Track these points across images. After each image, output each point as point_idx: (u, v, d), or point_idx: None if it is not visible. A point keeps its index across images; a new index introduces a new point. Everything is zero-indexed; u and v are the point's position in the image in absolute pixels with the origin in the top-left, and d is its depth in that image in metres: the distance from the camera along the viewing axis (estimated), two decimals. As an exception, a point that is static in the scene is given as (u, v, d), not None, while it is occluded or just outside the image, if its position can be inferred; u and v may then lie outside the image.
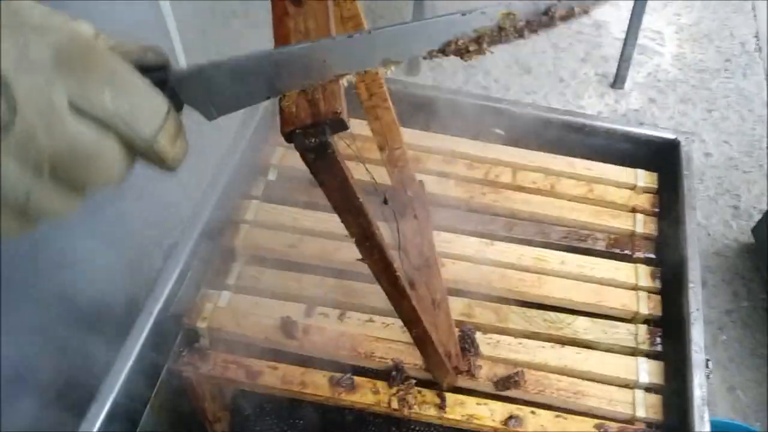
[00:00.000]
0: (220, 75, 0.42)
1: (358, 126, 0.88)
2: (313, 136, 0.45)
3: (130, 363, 0.77)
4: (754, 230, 1.73)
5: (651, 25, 2.30)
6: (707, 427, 0.75)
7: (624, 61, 2.08)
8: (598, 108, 2.06)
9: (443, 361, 0.76)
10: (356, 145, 0.89)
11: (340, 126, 0.45)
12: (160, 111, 0.38)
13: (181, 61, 1.84)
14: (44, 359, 0.91)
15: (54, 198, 0.35)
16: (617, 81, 2.12)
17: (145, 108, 0.37)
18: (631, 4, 1.99)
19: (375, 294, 0.88)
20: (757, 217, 1.78)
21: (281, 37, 0.47)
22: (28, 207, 0.34)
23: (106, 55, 0.35)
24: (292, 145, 0.46)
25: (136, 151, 0.37)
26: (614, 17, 2.32)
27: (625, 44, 2.05)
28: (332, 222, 0.93)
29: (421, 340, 0.73)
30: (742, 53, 2.26)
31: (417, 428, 0.91)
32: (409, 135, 1.00)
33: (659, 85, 2.14)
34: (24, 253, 0.81)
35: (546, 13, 0.44)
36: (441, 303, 0.82)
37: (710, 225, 1.80)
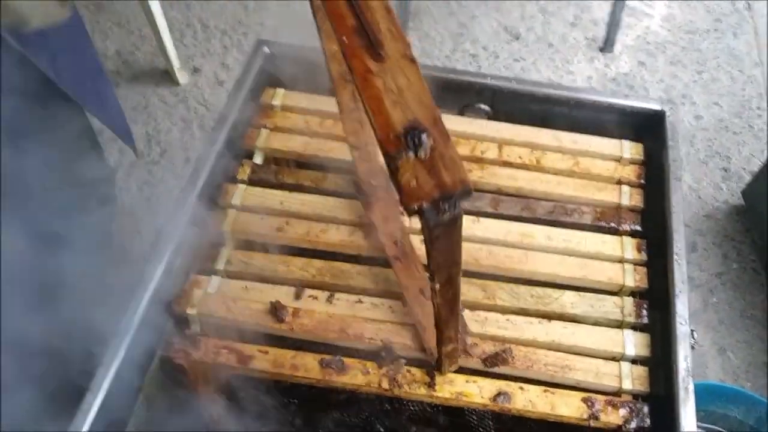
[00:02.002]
0: None
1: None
2: (446, 211, 0.43)
3: (122, 352, 0.78)
4: (744, 192, 1.74)
5: (640, -14, 2.27)
6: (692, 398, 0.76)
7: (613, 24, 2.06)
8: (588, 73, 2.05)
9: (457, 350, 0.76)
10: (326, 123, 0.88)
11: (469, 195, 0.43)
12: None
13: None
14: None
15: None
16: (607, 45, 2.10)
17: None
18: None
19: (363, 275, 0.89)
20: (747, 178, 1.78)
21: (372, 98, 0.45)
22: None
23: None
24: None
25: None
26: (603, -21, 2.29)
27: (613, 7, 2.03)
28: (318, 204, 0.95)
29: (449, 339, 0.73)
30: (732, 12, 2.24)
31: (409, 404, 0.92)
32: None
33: (649, 47, 2.12)
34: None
35: None
36: (427, 291, 0.82)
37: (701, 188, 1.81)
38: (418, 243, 0.88)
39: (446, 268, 0.56)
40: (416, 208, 0.43)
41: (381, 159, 0.87)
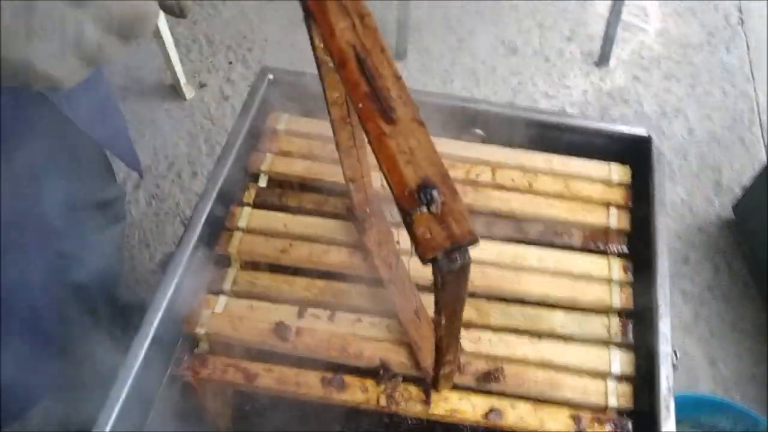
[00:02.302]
0: None
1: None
2: (457, 259, 0.48)
3: (134, 371, 0.83)
4: (735, 207, 1.78)
5: (635, 1, 2.32)
6: (672, 415, 0.81)
7: (607, 39, 2.10)
8: (584, 87, 2.10)
9: (455, 370, 0.81)
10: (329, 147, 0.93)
11: (476, 244, 0.49)
12: None
13: None
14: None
15: (115, 47, 0.46)
16: (602, 59, 2.14)
17: None
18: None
19: (362, 295, 0.93)
20: (738, 192, 1.83)
21: (387, 158, 0.50)
22: (97, 55, 0.45)
23: None
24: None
25: (166, 7, 0.48)
26: (599, -6, 2.34)
27: (608, 23, 2.08)
28: (320, 226, 0.99)
29: (448, 361, 0.78)
30: (726, 26, 2.29)
31: (407, 419, 0.97)
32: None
33: (643, 62, 2.17)
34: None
35: None
36: (421, 312, 0.87)
37: (693, 201, 1.85)
38: (412, 265, 0.93)
39: (452, 305, 0.61)
40: (431, 257, 0.48)
41: (376, 187, 0.92)
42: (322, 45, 0.63)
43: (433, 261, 0.49)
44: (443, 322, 0.64)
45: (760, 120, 2.04)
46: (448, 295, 0.57)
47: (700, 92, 2.10)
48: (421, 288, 0.91)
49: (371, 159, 0.59)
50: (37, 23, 0.40)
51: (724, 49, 2.22)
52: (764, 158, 1.94)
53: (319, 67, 0.67)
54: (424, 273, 0.91)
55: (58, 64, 0.43)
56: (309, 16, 0.59)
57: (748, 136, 1.99)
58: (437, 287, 0.55)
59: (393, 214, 0.96)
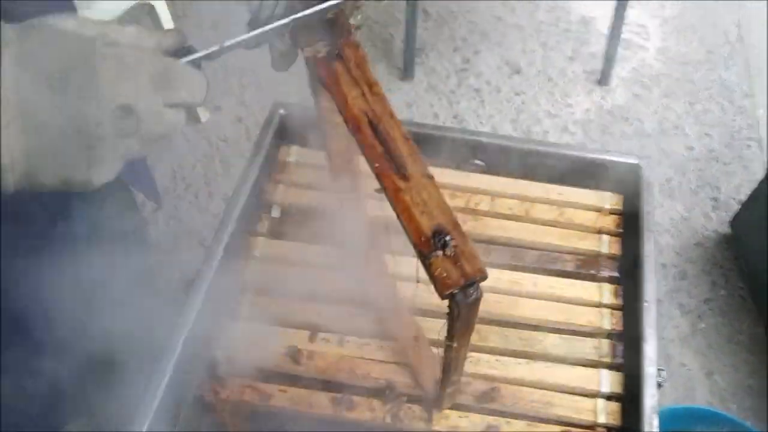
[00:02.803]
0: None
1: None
2: (471, 294, 0.57)
3: (160, 393, 0.90)
4: (732, 222, 1.84)
5: (636, 19, 2.38)
6: (656, 431, 0.87)
7: (608, 59, 2.17)
8: (586, 105, 2.16)
9: (458, 390, 0.89)
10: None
11: (485, 279, 0.57)
12: (204, 86, 0.57)
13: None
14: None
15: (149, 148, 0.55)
16: (603, 78, 2.21)
17: (200, 86, 0.56)
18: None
19: (370, 320, 1.00)
20: (736, 207, 1.88)
21: (404, 210, 0.58)
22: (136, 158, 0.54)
23: (175, 66, 0.55)
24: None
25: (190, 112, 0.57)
26: (601, 13, 2.40)
27: (608, 42, 2.14)
28: (330, 255, 1.07)
29: (453, 382, 0.85)
30: (725, 43, 2.35)
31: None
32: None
33: (643, 80, 2.23)
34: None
35: None
36: (420, 337, 0.94)
37: (692, 217, 1.91)
38: (406, 292, 1.00)
39: (464, 332, 0.68)
40: (449, 294, 0.57)
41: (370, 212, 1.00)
42: (326, 105, 0.71)
43: (451, 297, 0.57)
44: (455, 346, 0.71)
45: (758, 136, 2.10)
46: (462, 324, 0.65)
47: (699, 109, 2.16)
48: (425, 312, 0.98)
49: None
50: (96, 156, 0.50)
51: (723, 66, 2.28)
52: (762, 174, 1.99)
53: (321, 122, 0.74)
54: (426, 298, 0.99)
55: (109, 174, 0.53)
56: (319, 84, 0.66)
57: (746, 152, 2.05)
58: (452, 318, 0.63)
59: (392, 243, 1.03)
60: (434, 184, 0.61)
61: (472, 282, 0.56)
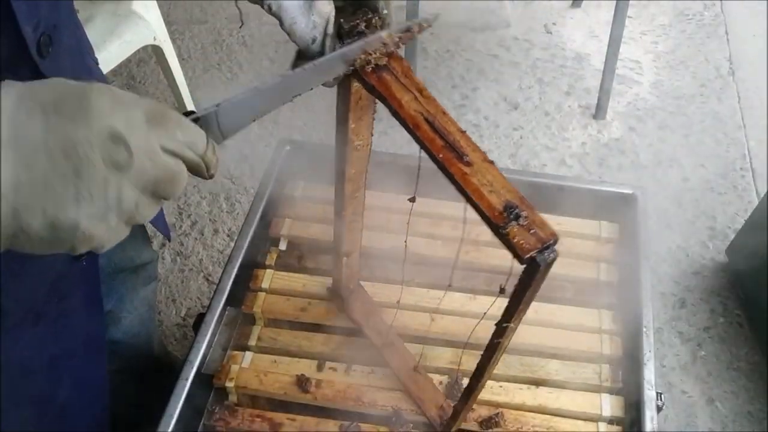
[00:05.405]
0: (224, 112, 0.59)
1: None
2: (549, 255, 0.61)
3: (172, 424, 0.92)
4: (728, 250, 1.87)
5: (630, 55, 2.44)
6: (657, 454, 0.89)
7: (603, 93, 2.22)
8: (582, 139, 2.21)
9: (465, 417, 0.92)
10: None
11: (556, 242, 0.62)
12: (203, 137, 0.54)
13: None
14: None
15: (150, 207, 0.52)
16: (599, 112, 2.26)
17: (198, 138, 0.53)
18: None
19: (375, 349, 1.03)
20: (732, 236, 1.92)
21: (474, 191, 0.64)
22: (135, 215, 0.51)
23: (171, 112, 0.53)
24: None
25: (192, 168, 0.53)
26: (595, 49, 2.47)
27: (603, 78, 2.20)
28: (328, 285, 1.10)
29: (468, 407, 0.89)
30: (717, 77, 2.40)
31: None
32: (402, 200, 1.15)
33: (638, 113, 2.28)
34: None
35: (408, 30, 0.70)
36: (420, 368, 0.97)
37: (689, 246, 1.94)
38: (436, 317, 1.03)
39: (524, 309, 0.74)
40: (530, 257, 0.61)
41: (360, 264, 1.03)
42: (353, 126, 0.76)
43: (532, 260, 0.61)
44: (512, 326, 0.76)
45: (751, 166, 2.14)
46: (531, 294, 0.69)
47: (693, 141, 2.21)
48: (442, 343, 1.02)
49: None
50: (84, 187, 0.47)
51: (715, 99, 2.33)
52: (756, 202, 2.03)
53: (343, 145, 0.79)
54: (447, 328, 1.02)
55: (100, 224, 0.49)
56: (347, 105, 0.73)
57: (740, 182, 2.09)
58: (521, 290, 0.68)
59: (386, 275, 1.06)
60: (495, 167, 0.66)
61: (548, 245, 0.61)
